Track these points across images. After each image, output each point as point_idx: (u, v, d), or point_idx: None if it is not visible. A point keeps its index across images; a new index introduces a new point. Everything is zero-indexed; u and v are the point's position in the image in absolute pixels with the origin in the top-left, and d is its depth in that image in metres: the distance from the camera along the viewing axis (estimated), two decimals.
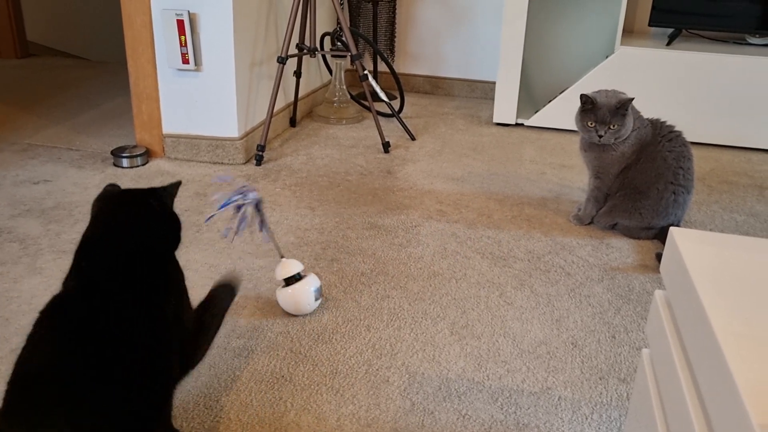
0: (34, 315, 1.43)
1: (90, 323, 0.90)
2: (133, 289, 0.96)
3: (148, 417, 0.91)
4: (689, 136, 1.88)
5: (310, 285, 1.45)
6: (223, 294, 1.20)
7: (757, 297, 0.77)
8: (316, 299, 1.46)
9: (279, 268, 1.45)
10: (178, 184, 1.12)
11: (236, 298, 1.21)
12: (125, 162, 2.26)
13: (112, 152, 2.28)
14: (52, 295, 0.95)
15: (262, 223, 1.40)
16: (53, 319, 0.91)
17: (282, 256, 1.48)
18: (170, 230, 1.09)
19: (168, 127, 2.33)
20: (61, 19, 4.13)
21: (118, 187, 1.11)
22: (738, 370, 0.63)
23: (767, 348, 0.67)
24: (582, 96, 1.81)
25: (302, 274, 1.46)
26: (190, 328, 1.09)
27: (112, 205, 1.05)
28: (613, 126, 1.78)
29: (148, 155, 2.33)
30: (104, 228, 1.03)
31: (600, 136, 1.80)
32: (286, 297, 1.45)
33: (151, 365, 0.93)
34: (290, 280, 1.45)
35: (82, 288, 0.96)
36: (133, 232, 1.02)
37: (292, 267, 1.45)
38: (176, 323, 1.03)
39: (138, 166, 2.27)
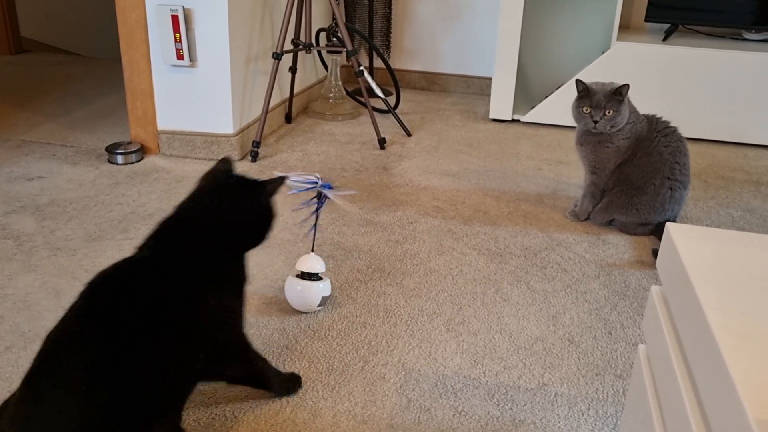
0: (28, 313, 1.44)
1: (126, 296, 0.89)
2: (183, 272, 0.95)
3: (159, 403, 0.90)
4: (685, 132, 1.88)
5: (320, 291, 1.44)
6: (276, 378, 1.19)
7: (754, 292, 0.77)
8: (319, 305, 1.46)
9: (303, 259, 1.45)
10: (281, 180, 1.09)
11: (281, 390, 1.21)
12: (120, 158, 2.25)
13: (107, 149, 2.27)
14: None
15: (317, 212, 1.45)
16: (92, 289, 0.91)
17: (312, 250, 1.48)
18: (254, 227, 1.07)
19: (163, 123, 2.32)
20: (55, 15, 4.11)
21: (230, 163, 1.10)
22: (734, 365, 0.62)
23: (764, 343, 0.67)
24: (577, 81, 1.81)
25: (321, 275, 1.46)
26: (241, 335, 1.08)
27: (207, 188, 1.06)
28: (609, 112, 1.77)
29: (142, 152, 2.32)
30: (186, 206, 1.04)
31: (595, 122, 1.79)
32: (294, 289, 1.45)
33: (176, 351, 0.91)
34: (306, 276, 1.45)
35: (132, 261, 0.96)
36: (211, 219, 1.02)
37: (315, 265, 1.45)
38: (223, 322, 1.01)
39: (133, 163, 2.26)
